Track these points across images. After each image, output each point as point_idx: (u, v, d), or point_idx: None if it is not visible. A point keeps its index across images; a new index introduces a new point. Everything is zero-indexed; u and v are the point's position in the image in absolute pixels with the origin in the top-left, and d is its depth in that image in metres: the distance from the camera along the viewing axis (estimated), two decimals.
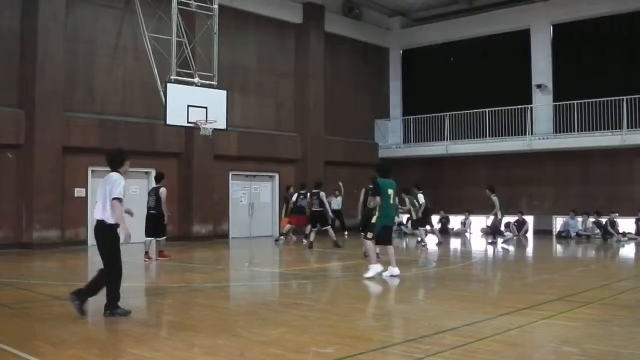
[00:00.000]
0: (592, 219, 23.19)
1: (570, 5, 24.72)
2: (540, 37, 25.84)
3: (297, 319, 7.69)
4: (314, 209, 18.89)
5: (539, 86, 25.48)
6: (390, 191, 11.37)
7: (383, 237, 11.45)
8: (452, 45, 28.00)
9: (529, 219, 24.64)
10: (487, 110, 25.41)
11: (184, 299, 9.77)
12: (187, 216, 21.48)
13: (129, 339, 6.62)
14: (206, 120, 17.59)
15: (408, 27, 29.49)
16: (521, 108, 24.87)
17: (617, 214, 22.36)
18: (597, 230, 22.91)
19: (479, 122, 25.69)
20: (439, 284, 11.02)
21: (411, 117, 28.31)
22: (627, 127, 22.34)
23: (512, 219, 24.26)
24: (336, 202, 22.19)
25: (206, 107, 17.63)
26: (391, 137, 29.10)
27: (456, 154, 26.10)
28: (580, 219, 23.51)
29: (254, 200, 24.27)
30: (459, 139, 26.22)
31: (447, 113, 26.41)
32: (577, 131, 23.45)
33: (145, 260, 14.51)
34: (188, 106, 17.33)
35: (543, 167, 24.94)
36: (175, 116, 17.27)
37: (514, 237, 23.00)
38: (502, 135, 25.09)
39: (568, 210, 23.64)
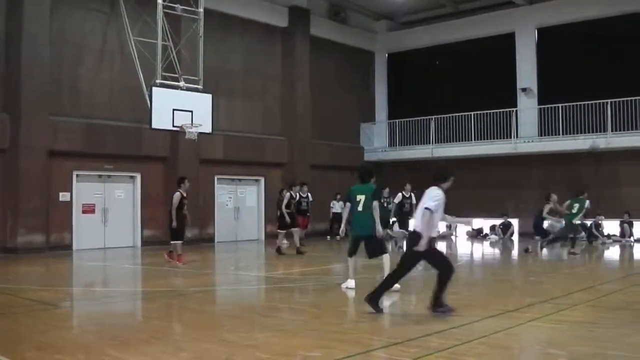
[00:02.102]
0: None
1: (555, 9, 24.93)
2: (525, 40, 26.02)
3: (284, 323, 7.68)
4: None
5: (524, 89, 25.64)
6: (360, 197, 10.17)
7: (349, 248, 10.57)
8: (437, 48, 28.08)
9: (515, 222, 24.73)
10: (472, 113, 25.52)
11: (172, 302, 9.73)
12: None
13: (116, 343, 6.58)
14: (191, 124, 17.56)
15: (394, 31, 29.59)
16: (506, 111, 25.02)
17: (603, 217, 22.53)
18: (583, 233, 23.02)
19: (465, 125, 25.79)
20: (427, 287, 11.00)
21: (397, 120, 28.35)
22: (612, 130, 22.54)
23: (497, 221, 24.42)
24: (339, 206, 22.70)
25: (192, 111, 17.60)
26: (377, 141, 29.12)
27: (442, 157, 26.18)
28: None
29: (239, 204, 24.23)
30: (444, 142, 26.30)
31: (433, 116, 26.51)
32: (562, 134, 23.62)
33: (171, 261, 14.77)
34: (173, 110, 17.30)
35: (529, 170, 25.05)
36: (161, 120, 17.24)
37: (499, 240, 23.08)
38: (487, 139, 25.21)
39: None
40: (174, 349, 6.31)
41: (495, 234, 24.13)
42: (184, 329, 7.44)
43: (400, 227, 18.32)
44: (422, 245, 7.72)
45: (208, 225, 22.80)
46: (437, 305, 7.88)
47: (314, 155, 25.90)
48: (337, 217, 21.92)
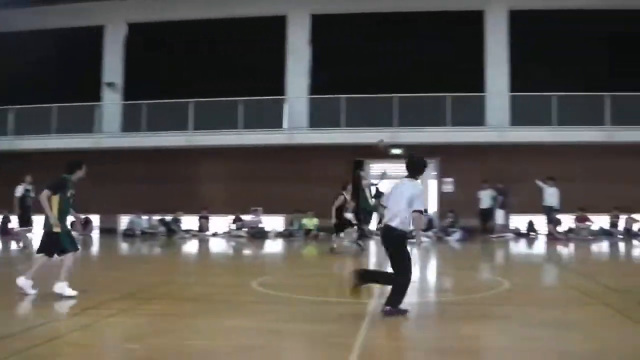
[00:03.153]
0: (157, 217, 23.90)
1: (146, 7, 25.28)
2: (114, 36, 25.84)
3: None
4: None
5: (109, 84, 25.38)
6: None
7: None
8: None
9: (95, 218, 24.25)
10: (54, 106, 24.40)
11: None
12: None
13: None
14: None
15: None
16: (89, 105, 24.50)
17: (182, 212, 23.47)
18: (162, 228, 23.66)
19: (45, 117, 24.51)
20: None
21: None
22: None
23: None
24: None
25: None
26: None
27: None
28: (145, 217, 24.03)
29: None
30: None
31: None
32: (145, 131, 24.04)
33: None
34: None
35: (114, 165, 24.48)
36: None
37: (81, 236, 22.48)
38: (70, 132, 24.32)
39: (133, 209, 24.02)
40: None
41: (76, 231, 23.39)
42: None
43: None
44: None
45: None
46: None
47: None
48: None
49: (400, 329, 7.18)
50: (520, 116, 23.34)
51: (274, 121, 24.08)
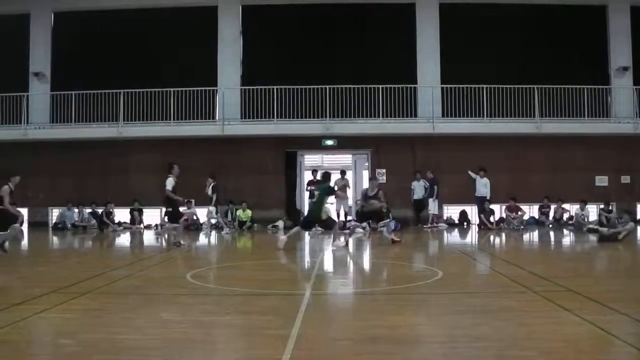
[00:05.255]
0: (88, 210, 23.53)
1: None
2: (40, 26, 25.17)
3: None
4: None
5: (36, 74, 24.77)
6: None
7: None
8: None
9: (24, 211, 23.63)
10: None
11: None
12: None
13: None
14: None
15: None
16: (16, 96, 23.83)
17: (113, 204, 23.14)
18: (94, 221, 23.31)
19: None
20: None
21: None
22: (121, 120, 23.36)
23: None
24: None
25: None
26: None
27: None
28: (76, 210, 23.60)
29: None
30: None
31: None
32: (75, 122, 23.60)
33: None
34: None
35: (39, 158, 23.98)
36: None
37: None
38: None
39: (63, 201, 23.55)
40: None
41: None
42: None
43: None
44: None
45: None
46: None
47: None
48: None
49: (336, 320, 7.31)
50: (451, 108, 23.85)
51: (206, 112, 23.92)
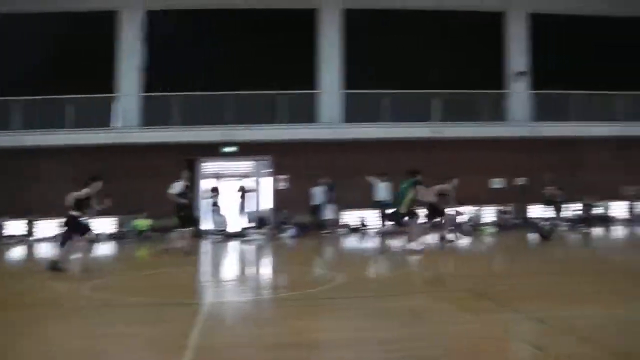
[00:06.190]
0: None
1: None
2: None
3: None
4: None
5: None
6: None
7: None
8: None
9: None
10: None
11: None
12: None
13: None
14: None
15: None
16: None
17: (7, 217, 22.40)
18: None
19: None
20: None
21: None
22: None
23: None
24: None
25: None
26: None
27: None
28: None
29: None
30: None
31: None
32: None
33: None
34: None
35: None
36: None
37: None
38: None
39: None
40: None
41: None
42: None
43: None
44: None
45: None
46: None
47: None
48: None
49: (237, 327, 7.30)
50: (352, 113, 24.02)
51: (105, 120, 23.40)
